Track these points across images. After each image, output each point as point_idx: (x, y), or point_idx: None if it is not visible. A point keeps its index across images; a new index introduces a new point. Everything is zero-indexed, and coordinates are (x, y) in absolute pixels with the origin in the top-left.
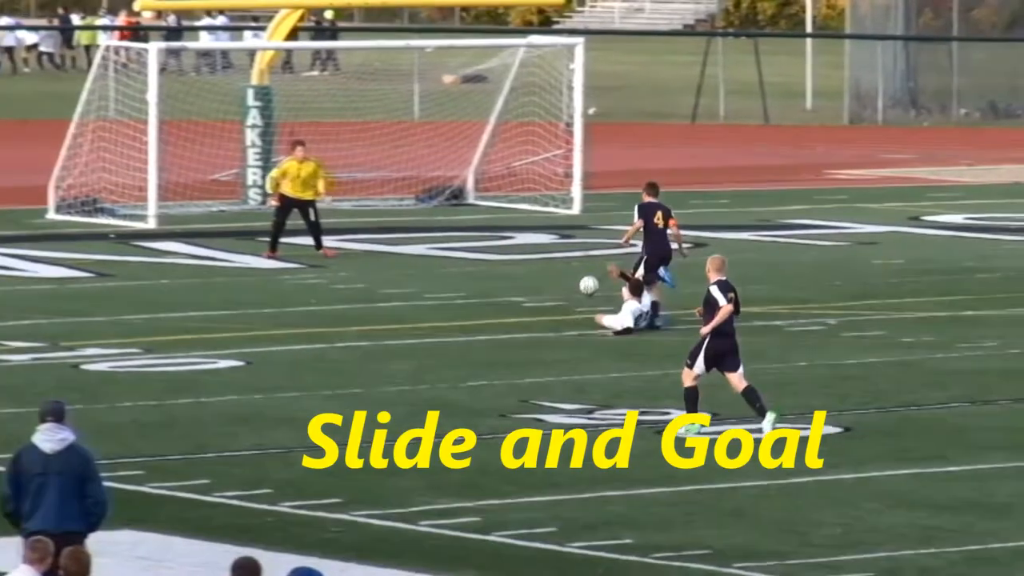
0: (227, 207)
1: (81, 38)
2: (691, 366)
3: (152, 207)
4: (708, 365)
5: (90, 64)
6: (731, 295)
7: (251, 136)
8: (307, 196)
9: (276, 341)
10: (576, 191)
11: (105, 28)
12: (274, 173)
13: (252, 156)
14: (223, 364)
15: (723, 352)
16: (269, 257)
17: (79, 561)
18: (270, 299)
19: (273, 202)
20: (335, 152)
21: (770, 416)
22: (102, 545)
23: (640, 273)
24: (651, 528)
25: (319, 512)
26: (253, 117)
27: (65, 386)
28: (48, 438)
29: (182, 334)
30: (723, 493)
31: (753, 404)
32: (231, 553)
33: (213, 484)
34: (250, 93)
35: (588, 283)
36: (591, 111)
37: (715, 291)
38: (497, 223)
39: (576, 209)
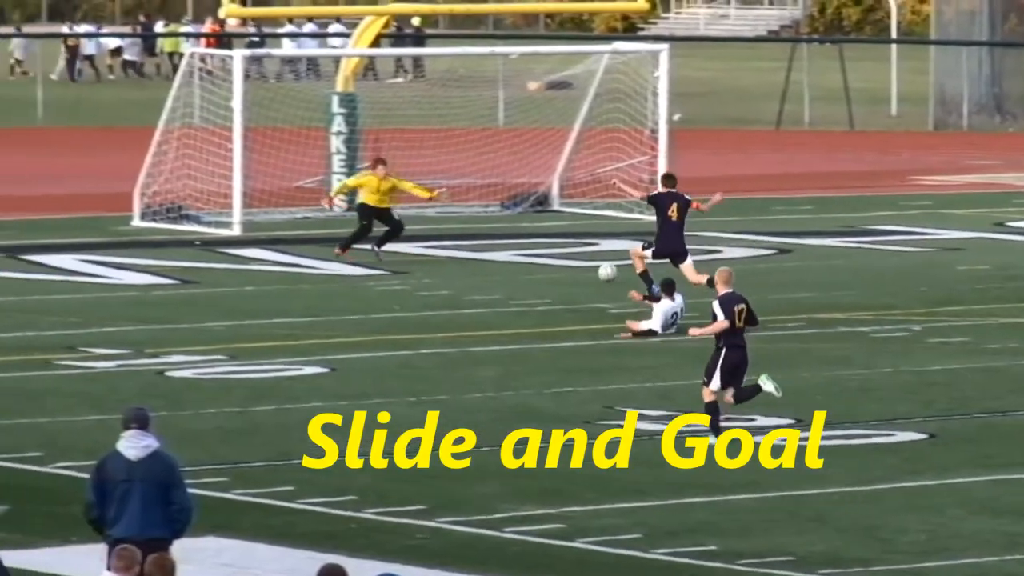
0: (312, 214)
1: (165, 45)
2: (708, 383)
3: (237, 214)
4: (724, 381)
5: (174, 71)
6: (741, 307)
7: (336, 143)
8: (385, 205)
9: (360, 348)
10: None
11: (187, 35)
12: (349, 181)
13: (337, 163)
14: (307, 371)
15: (738, 364)
16: (338, 255)
17: (164, 568)
18: (354, 306)
19: (325, 204)
20: (420, 159)
21: (763, 377)
22: (186, 552)
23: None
24: (734, 534)
25: (403, 519)
26: (338, 124)
27: (149, 393)
28: (132, 445)
29: (266, 341)
30: (805, 499)
31: (750, 396)
32: (314, 560)
33: (297, 491)
34: (335, 100)
35: (607, 270)
36: (676, 117)
37: (715, 306)
38: (581, 229)
39: None
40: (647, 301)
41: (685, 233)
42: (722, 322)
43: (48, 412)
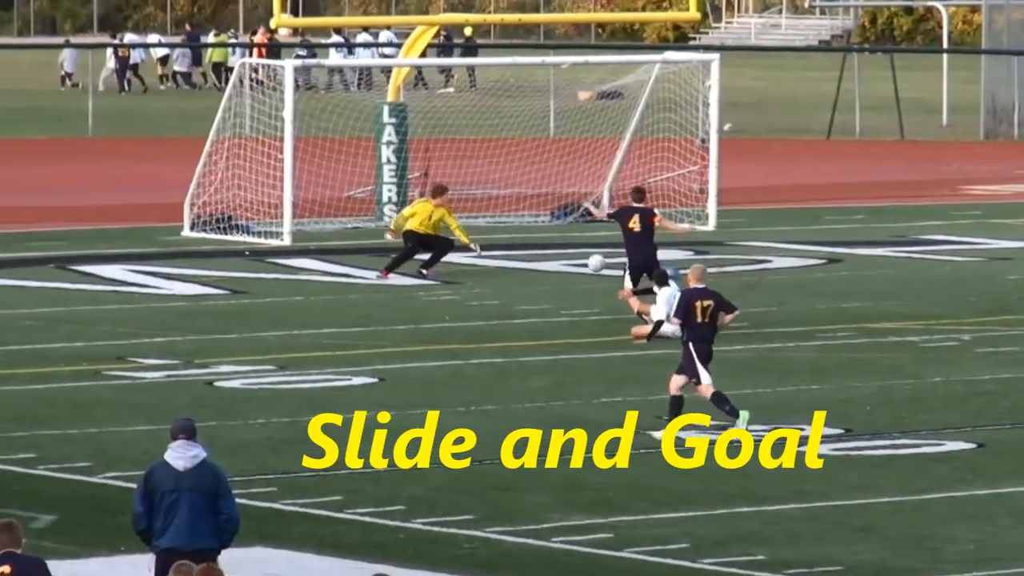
0: (361, 224)
1: (213, 55)
2: (699, 382)
3: (287, 224)
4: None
5: (224, 82)
6: (706, 303)
7: (386, 153)
8: (432, 233)
9: (411, 358)
10: (711, 207)
11: (234, 45)
12: (405, 211)
13: (387, 173)
14: (357, 381)
15: (710, 354)
16: (381, 277)
17: None
18: (404, 316)
19: (389, 236)
20: (470, 168)
21: (743, 415)
22: (234, 562)
23: (628, 285)
24: (782, 544)
25: (451, 528)
26: (388, 134)
27: (199, 403)
28: (180, 455)
29: (316, 351)
30: (853, 509)
31: (723, 407)
32: (363, 570)
33: (345, 501)
34: (385, 110)
35: (595, 261)
36: (726, 127)
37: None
38: None
39: (711, 225)
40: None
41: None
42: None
43: (97, 422)
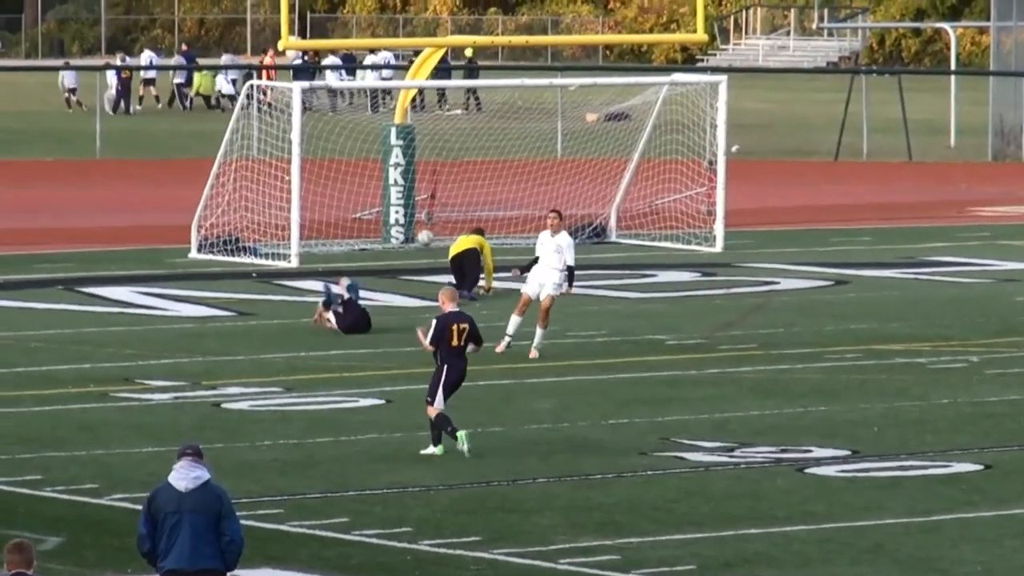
0: (369, 245)
1: (199, 87)
2: (432, 402)
3: (294, 246)
4: (446, 395)
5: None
6: (462, 326)
7: (393, 175)
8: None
9: (418, 379)
10: (719, 229)
11: (223, 68)
12: (490, 261)
13: (394, 194)
14: (364, 403)
15: (457, 381)
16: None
17: None
18: (411, 337)
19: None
20: (477, 190)
21: (461, 435)
22: None
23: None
24: (790, 566)
25: (458, 550)
26: (396, 156)
27: (206, 425)
28: (183, 476)
29: (323, 373)
30: (862, 530)
31: (445, 428)
32: None
33: (352, 522)
34: (392, 132)
35: (424, 237)
36: (734, 149)
37: (432, 323)
38: (639, 261)
39: (719, 247)
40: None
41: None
42: (426, 344)
43: (104, 444)
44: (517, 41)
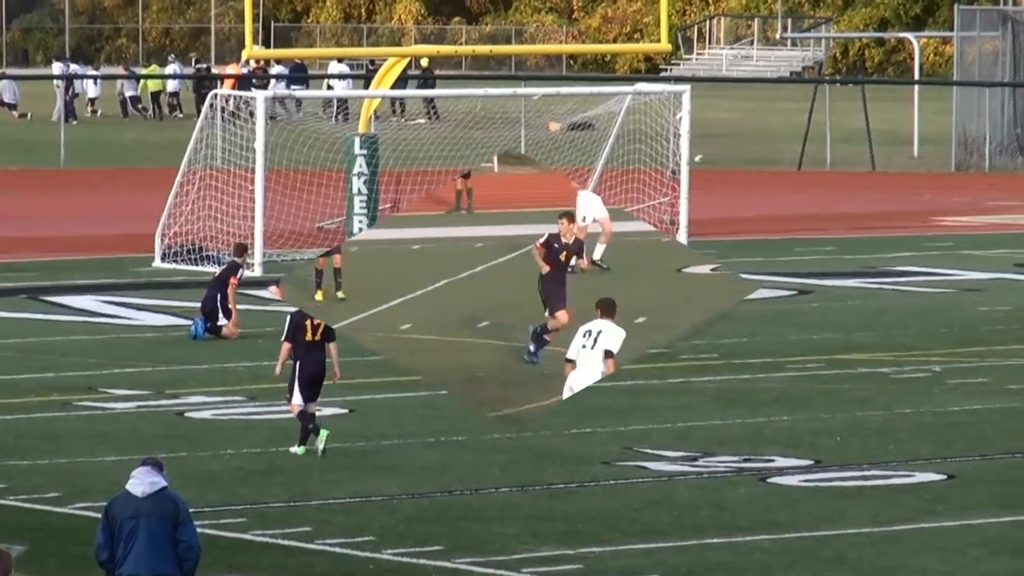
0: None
1: (149, 83)
2: (290, 399)
3: (258, 255)
4: (304, 394)
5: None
6: (317, 321)
7: (357, 184)
8: None
9: (380, 388)
10: (682, 238)
11: (170, 77)
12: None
13: (358, 204)
14: (326, 412)
15: (315, 375)
16: None
17: None
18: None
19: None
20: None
21: (323, 434)
22: None
23: None
24: (753, 575)
25: (421, 559)
26: (360, 165)
27: (169, 434)
28: (140, 481)
29: (286, 382)
30: (824, 540)
31: (306, 425)
32: None
33: (315, 531)
34: (356, 141)
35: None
36: (697, 158)
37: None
38: None
39: None
40: None
41: None
42: (285, 345)
43: (67, 453)
44: (481, 50)
